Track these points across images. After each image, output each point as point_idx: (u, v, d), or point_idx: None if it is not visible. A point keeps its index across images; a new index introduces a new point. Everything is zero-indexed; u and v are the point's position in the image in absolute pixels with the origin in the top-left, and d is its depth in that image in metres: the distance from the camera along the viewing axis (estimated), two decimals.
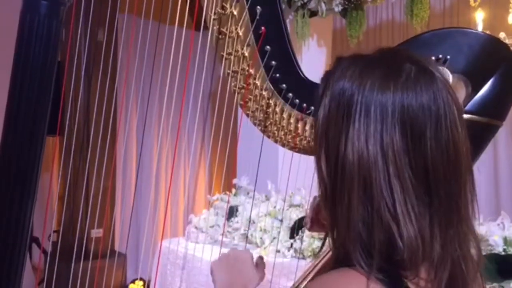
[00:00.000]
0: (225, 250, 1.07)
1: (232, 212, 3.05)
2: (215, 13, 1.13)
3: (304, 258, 2.43)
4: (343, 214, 0.66)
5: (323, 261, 1.07)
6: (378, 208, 0.63)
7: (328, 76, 0.72)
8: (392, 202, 0.62)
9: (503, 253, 2.04)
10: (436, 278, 0.65)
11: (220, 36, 1.15)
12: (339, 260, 0.68)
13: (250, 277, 1.00)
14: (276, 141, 1.27)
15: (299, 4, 3.48)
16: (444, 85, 0.67)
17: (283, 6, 3.48)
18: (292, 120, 1.23)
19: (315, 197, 1.20)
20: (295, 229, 2.64)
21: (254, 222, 2.83)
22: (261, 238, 2.73)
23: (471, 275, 0.68)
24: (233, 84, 1.20)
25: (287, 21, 3.57)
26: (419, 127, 0.64)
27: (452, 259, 0.65)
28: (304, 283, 1.12)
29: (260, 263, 1.04)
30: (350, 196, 0.64)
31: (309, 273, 1.12)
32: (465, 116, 1.21)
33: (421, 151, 0.64)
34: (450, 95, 0.67)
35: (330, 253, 0.88)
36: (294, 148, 1.28)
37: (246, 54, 1.17)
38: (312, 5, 3.45)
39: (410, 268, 0.63)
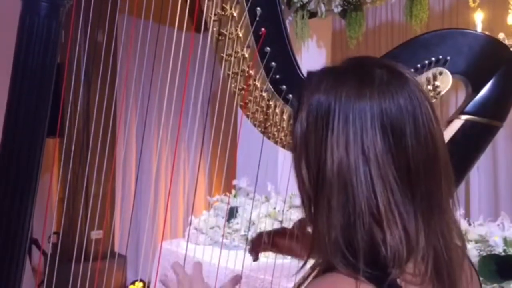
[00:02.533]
0: (225, 251, 1.08)
1: (232, 213, 3.05)
2: (215, 15, 1.13)
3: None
4: (323, 221, 0.67)
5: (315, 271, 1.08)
6: (359, 211, 0.64)
7: (301, 92, 0.74)
8: (375, 203, 0.64)
9: (503, 253, 2.04)
10: (423, 270, 0.66)
11: (220, 38, 1.15)
12: (326, 269, 0.69)
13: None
14: (276, 142, 1.27)
15: (298, 5, 3.48)
16: (415, 84, 0.70)
17: (283, 7, 3.49)
18: (292, 121, 1.23)
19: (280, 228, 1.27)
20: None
21: (254, 223, 2.83)
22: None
23: (457, 263, 0.70)
24: (233, 85, 1.20)
25: (287, 22, 3.57)
26: (399, 127, 0.66)
27: (435, 249, 0.67)
28: None
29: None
30: (331, 201, 0.66)
31: (309, 274, 1.12)
32: (466, 117, 1.22)
33: (402, 149, 0.66)
34: (422, 92, 0.70)
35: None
36: None
37: (246, 55, 1.17)
38: (311, 6, 3.45)
39: (395, 267, 0.64)
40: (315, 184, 0.69)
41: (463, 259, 0.73)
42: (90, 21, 1.39)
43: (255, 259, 1.34)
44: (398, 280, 0.65)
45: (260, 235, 1.31)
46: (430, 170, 0.67)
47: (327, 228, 0.66)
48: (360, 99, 0.67)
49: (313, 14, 3.52)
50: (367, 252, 0.64)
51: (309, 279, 0.74)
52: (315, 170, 0.68)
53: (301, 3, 3.45)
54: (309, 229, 1.31)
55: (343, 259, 0.65)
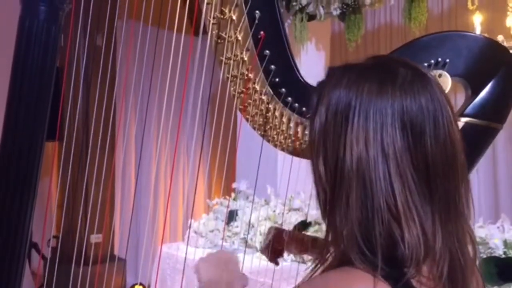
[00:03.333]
0: None
1: (231, 216, 3.05)
2: (214, 18, 1.13)
3: (304, 262, 2.43)
4: (341, 216, 0.67)
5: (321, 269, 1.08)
6: (378, 207, 0.64)
7: (322, 86, 0.74)
8: (393, 200, 0.64)
9: (503, 256, 2.04)
10: (437, 273, 0.66)
11: (219, 41, 1.15)
12: (343, 262, 0.68)
13: (235, 276, 1.03)
14: (275, 146, 1.27)
15: (297, 8, 3.48)
16: (437, 86, 0.70)
17: (282, 10, 3.49)
18: (291, 124, 1.23)
19: (270, 228, 1.30)
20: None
21: (253, 226, 2.83)
22: (261, 242, 2.73)
23: (470, 268, 0.70)
24: (232, 88, 1.20)
25: (285, 25, 3.57)
26: (419, 126, 0.66)
27: (451, 253, 0.67)
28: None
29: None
30: (349, 197, 0.66)
31: (310, 276, 1.12)
32: (465, 119, 1.22)
33: (421, 148, 0.66)
34: (443, 95, 0.70)
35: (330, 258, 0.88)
36: (293, 152, 1.28)
37: (245, 58, 1.17)
38: (310, 9, 3.46)
39: (412, 266, 0.64)
40: (333, 179, 0.68)
41: (474, 263, 0.73)
42: (89, 24, 1.39)
43: (277, 263, 1.33)
44: (414, 281, 0.64)
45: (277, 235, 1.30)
46: (448, 172, 0.67)
47: (345, 222, 0.66)
48: (382, 96, 0.67)
49: (312, 17, 3.53)
50: (385, 248, 0.64)
51: (318, 271, 0.73)
52: (333, 165, 0.68)
53: (300, 6, 3.46)
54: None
55: (360, 254, 0.65)
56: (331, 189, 0.69)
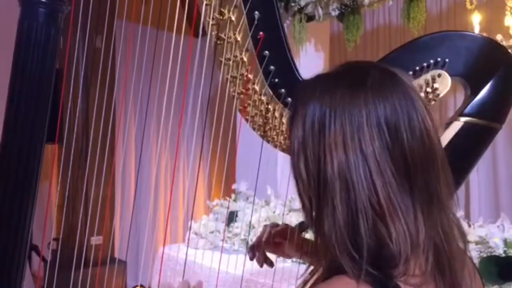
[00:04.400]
0: (225, 256, 1.08)
1: (232, 217, 3.05)
2: (213, 19, 1.13)
3: (304, 263, 2.43)
4: (329, 222, 0.68)
5: (315, 277, 1.08)
6: (361, 207, 0.66)
7: (296, 99, 0.77)
8: (376, 198, 0.66)
9: (503, 255, 2.04)
10: (424, 266, 0.68)
11: (218, 42, 1.15)
12: (331, 270, 0.69)
13: None
14: (275, 146, 1.27)
15: (296, 8, 3.48)
16: (407, 84, 0.72)
17: (281, 10, 3.49)
18: (289, 128, 1.23)
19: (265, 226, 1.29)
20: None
21: (254, 227, 2.83)
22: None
23: (458, 257, 0.71)
24: (232, 89, 1.20)
25: (285, 26, 3.57)
26: (394, 124, 0.68)
27: (435, 242, 0.68)
28: None
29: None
30: (334, 201, 0.67)
31: (311, 278, 1.12)
32: (464, 119, 1.22)
33: (398, 144, 0.67)
34: (415, 91, 0.72)
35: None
36: None
37: (245, 59, 1.17)
38: (309, 9, 3.46)
39: (400, 263, 0.65)
40: (317, 186, 0.70)
41: (465, 255, 0.74)
42: (88, 26, 1.39)
43: (260, 264, 1.32)
44: (401, 284, 0.65)
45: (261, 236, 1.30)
46: (427, 164, 0.69)
47: (333, 228, 0.67)
48: (355, 100, 0.68)
49: (310, 18, 3.53)
50: (372, 248, 0.65)
51: (311, 281, 0.74)
52: (315, 173, 0.70)
53: (299, 7, 3.46)
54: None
55: (349, 258, 0.66)
56: (316, 197, 0.70)
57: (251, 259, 1.28)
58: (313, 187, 0.70)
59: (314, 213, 0.72)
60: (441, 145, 0.73)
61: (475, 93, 1.19)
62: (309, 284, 0.88)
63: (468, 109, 1.19)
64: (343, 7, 3.42)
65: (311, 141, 0.70)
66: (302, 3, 3.45)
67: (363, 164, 0.66)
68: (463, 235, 0.73)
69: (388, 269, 0.66)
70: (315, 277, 0.94)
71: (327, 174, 0.68)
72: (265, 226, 1.31)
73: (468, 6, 3.19)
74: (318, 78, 0.76)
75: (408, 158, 0.67)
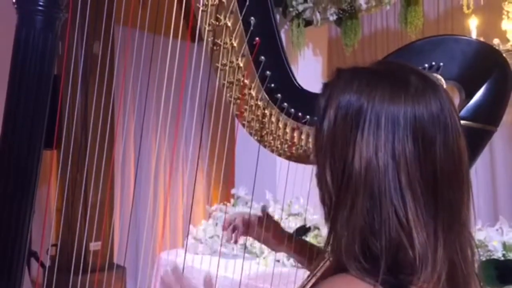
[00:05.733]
0: (224, 261, 1.08)
1: None
2: (209, 25, 1.14)
3: (303, 267, 2.42)
4: (343, 222, 0.66)
5: (321, 270, 1.08)
6: (386, 217, 0.63)
7: (330, 87, 0.72)
8: (404, 211, 0.63)
9: (502, 258, 2.04)
10: (435, 281, 0.65)
11: (214, 48, 1.16)
12: (340, 268, 0.68)
13: None
14: (272, 151, 1.28)
15: (294, 13, 3.50)
16: (447, 95, 0.70)
17: (278, 16, 3.51)
18: (288, 130, 1.24)
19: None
20: (294, 238, 2.63)
21: None
22: (260, 247, 2.72)
23: (471, 275, 0.70)
24: (228, 94, 1.21)
25: (282, 31, 3.59)
26: (430, 135, 0.65)
27: (452, 262, 0.66)
28: None
29: None
30: (354, 203, 0.65)
31: (308, 281, 1.12)
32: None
33: (431, 158, 0.65)
34: (452, 104, 0.70)
35: (328, 263, 0.88)
36: (290, 157, 1.28)
37: (241, 64, 1.17)
38: (307, 14, 3.47)
39: (416, 274, 0.64)
40: (339, 183, 0.67)
41: (474, 268, 0.72)
42: (86, 32, 1.39)
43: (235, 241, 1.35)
44: None
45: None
46: (454, 182, 0.67)
47: (346, 229, 0.66)
48: (394, 103, 0.66)
49: (308, 23, 3.54)
50: (389, 258, 0.63)
51: (317, 274, 0.72)
52: (340, 169, 0.67)
53: (297, 12, 3.47)
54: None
55: (356, 261, 0.64)
56: (337, 194, 0.68)
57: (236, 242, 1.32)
58: (336, 184, 0.68)
59: (332, 211, 0.69)
60: (468, 162, 0.71)
61: (469, 96, 1.19)
62: (316, 276, 0.87)
63: (463, 113, 1.19)
64: (341, 12, 3.43)
65: (341, 135, 0.68)
66: (300, 8, 3.46)
67: (393, 172, 0.64)
68: (474, 252, 0.71)
69: (403, 277, 0.64)
70: (322, 269, 0.94)
71: (353, 174, 0.65)
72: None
73: (465, 10, 3.20)
74: (357, 71, 0.72)
75: (438, 173, 0.65)
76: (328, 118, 0.70)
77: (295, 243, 1.34)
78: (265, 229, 1.32)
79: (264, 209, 1.36)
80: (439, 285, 0.65)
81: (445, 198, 0.66)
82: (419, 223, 0.63)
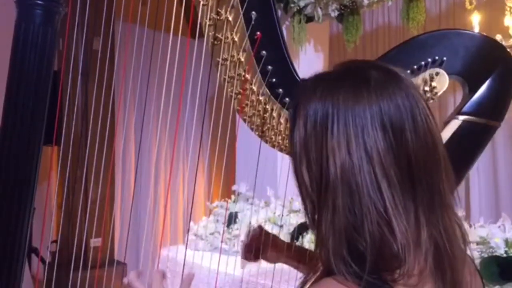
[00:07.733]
0: (224, 257, 1.07)
1: (231, 218, 3.04)
2: (210, 19, 1.13)
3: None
4: (327, 225, 0.67)
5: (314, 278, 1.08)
6: (366, 211, 0.65)
7: (297, 100, 0.75)
8: (382, 202, 0.65)
9: (504, 255, 2.03)
10: (423, 265, 0.67)
11: (215, 42, 1.15)
12: (329, 273, 0.68)
13: None
14: (273, 146, 1.27)
15: (295, 9, 3.48)
16: (409, 83, 0.71)
17: (279, 11, 3.50)
18: (289, 125, 1.23)
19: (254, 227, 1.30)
20: (295, 235, 2.63)
21: None
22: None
23: (460, 257, 0.71)
24: (229, 89, 1.20)
25: (284, 26, 3.57)
26: (398, 124, 0.67)
27: (437, 244, 0.68)
28: None
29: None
30: (335, 204, 0.66)
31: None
32: (463, 117, 1.22)
33: (403, 145, 0.66)
34: (417, 91, 0.71)
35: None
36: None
37: (242, 59, 1.16)
38: (308, 10, 3.46)
39: (401, 265, 0.65)
40: (318, 189, 0.69)
41: (465, 253, 0.73)
42: (85, 28, 1.39)
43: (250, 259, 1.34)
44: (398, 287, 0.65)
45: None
46: (430, 165, 0.68)
47: (331, 231, 0.66)
48: (358, 101, 0.67)
49: (310, 19, 3.53)
50: (374, 253, 0.64)
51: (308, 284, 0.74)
52: (317, 175, 0.69)
53: (298, 8, 3.46)
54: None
55: (344, 264, 0.65)
56: (318, 198, 0.69)
57: (254, 260, 1.30)
58: (315, 189, 0.69)
59: (315, 217, 0.71)
60: (443, 144, 0.72)
61: (473, 91, 1.19)
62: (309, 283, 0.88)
63: (466, 108, 1.18)
64: (343, 8, 3.42)
65: (314, 142, 0.69)
66: (302, 4, 3.45)
67: (368, 166, 0.65)
68: (464, 234, 0.73)
69: (386, 271, 0.65)
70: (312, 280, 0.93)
71: (330, 177, 0.67)
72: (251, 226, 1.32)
73: (468, 6, 3.18)
74: (318, 78, 0.75)
75: (412, 158, 0.66)
76: (298, 129, 0.72)
77: (294, 252, 1.33)
78: (263, 245, 1.32)
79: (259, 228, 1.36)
80: (426, 269, 0.67)
81: (423, 182, 0.67)
82: (397, 212, 0.65)
